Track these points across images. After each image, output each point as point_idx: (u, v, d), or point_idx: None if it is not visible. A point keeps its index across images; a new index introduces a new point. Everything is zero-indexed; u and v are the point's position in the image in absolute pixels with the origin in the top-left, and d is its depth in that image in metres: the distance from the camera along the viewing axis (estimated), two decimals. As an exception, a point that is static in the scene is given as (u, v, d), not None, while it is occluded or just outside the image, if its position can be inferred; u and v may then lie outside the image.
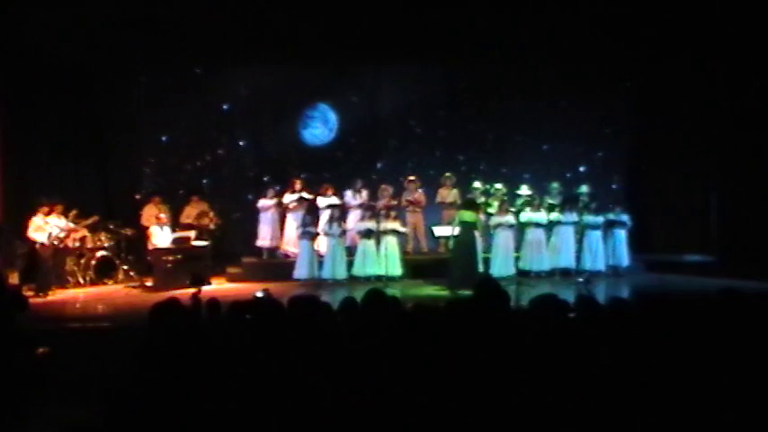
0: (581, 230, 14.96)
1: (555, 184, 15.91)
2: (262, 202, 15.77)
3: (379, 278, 14.21)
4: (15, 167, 14.30)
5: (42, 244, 13.85)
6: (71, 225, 14.40)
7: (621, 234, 15.12)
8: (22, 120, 14.31)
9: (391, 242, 14.52)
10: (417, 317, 4.73)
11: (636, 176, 17.61)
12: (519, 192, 15.80)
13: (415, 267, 14.94)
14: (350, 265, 14.62)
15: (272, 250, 15.94)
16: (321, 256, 14.75)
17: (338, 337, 4.56)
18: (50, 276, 14.02)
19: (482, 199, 15.31)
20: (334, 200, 15.36)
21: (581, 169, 17.47)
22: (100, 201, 16.13)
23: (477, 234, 13.80)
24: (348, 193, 15.75)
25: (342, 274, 14.42)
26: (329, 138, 17.87)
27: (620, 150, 17.68)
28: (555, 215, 14.92)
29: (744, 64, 15.01)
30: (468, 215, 13.47)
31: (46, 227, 13.94)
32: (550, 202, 15.32)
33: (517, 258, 14.81)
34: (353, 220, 15.31)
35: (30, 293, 13.29)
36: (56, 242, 14.03)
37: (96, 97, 15.96)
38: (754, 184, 15.09)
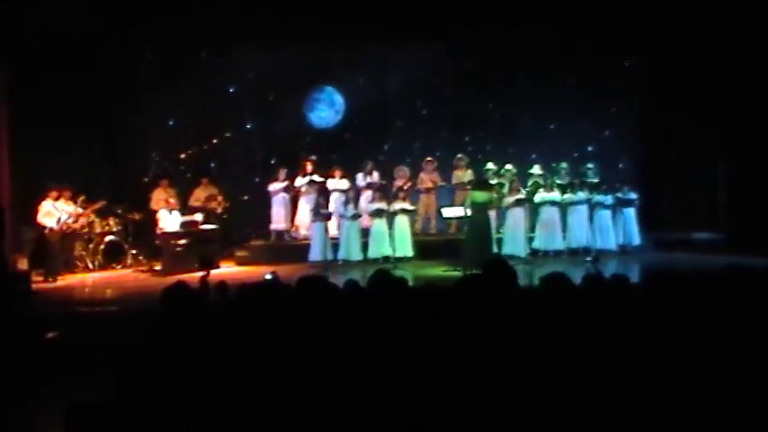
0: (590, 209, 14.96)
1: (563, 164, 15.85)
2: (272, 186, 15.75)
3: (394, 259, 14.20)
4: (24, 153, 14.30)
5: (51, 229, 13.92)
6: (79, 210, 14.45)
7: (630, 212, 15.16)
8: (31, 105, 14.28)
9: (402, 222, 14.56)
10: (425, 296, 4.73)
11: (643, 155, 17.54)
12: (532, 171, 15.75)
13: (425, 248, 14.92)
14: (365, 246, 14.63)
15: (287, 232, 15.94)
16: (335, 239, 14.79)
17: (345, 318, 4.56)
18: (59, 261, 14.09)
19: (495, 180, 15.30)
20: (344, 182, 15.38)
21: (589, 149, 17.41)
22: (108, 185, 16.14)
23: (491, 214, 13.79)
24: (359, 176, 15.78)
25: (356, 255, 14.46)
26: (336, 120, 17.86)
27: (628, 129, 17.58)
28: (567, 196, 14.91)
29: (750, 38, 14.87)
30: (480, 195, 13.43)
31: (54, 212, 14.00)
32: (559, 182, 15.28)
33: (531, 238, 14.79)
34: (365, 202, 15.31)
35: (39, 278, 13.40)
36: (64, 227, 14.09)
37: (103, 83, 15.92)
38: (762, 161, 14.99)
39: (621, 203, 15.15)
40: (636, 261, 14.29)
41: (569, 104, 16.88)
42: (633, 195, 15.26)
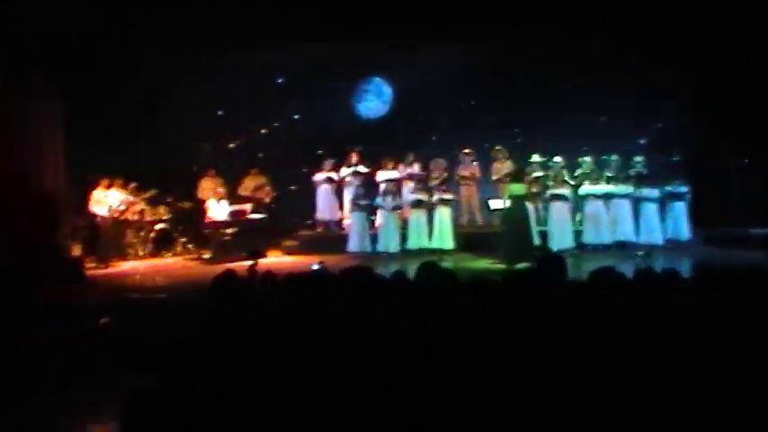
0: (636, 203, 14.76)
1: (614, 157, 15.64)
2: (317, 176, 15.83)
3: (432, 251, 14.16)
4: (78, 142, 14.51)
5: (103, 217, 14.16)
6: (130, 198, 14.67)
7: (681, 207, 14.85)
8: (86, 95, 14.45)
9: (444, 215, 14.51)
10: (473, 290, 4.71)
11: (697, 147, 17.19)
12: (582, 159, 15.56)
13: (469, 240, 14.86)
14: (404, 238, 14.63)
15: (327, 223, 16.03)
16: (376, 229, 14.82)
17: (393, 309, 4.56)
18: (111, 248, 14.32)
19: (540, 173, 15.15)
20: (395, 173, 15.40)
21: (641, 141, 17.13)
22: (159, 174, 16.29)
23: (529, 206, 13.69)
24: (400, 167, 15.78)
25: (395, 247, 14.44)
26: (384, 111, 17.85)
27: (682, 121, 17.23)
28: (611, 188, 14.71)
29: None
30: (516, 188, 13.36)
31: (106, 200, 14.24)
32: (608, 175, 15.08)
33: (578, 232, 14.67)
34: (406, 193, 15.30)
35: (91, 265, 13.64)
36: (116, 215, 14.31)
37: (155, 72, 16.07)
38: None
39: (671, 197, 14.90)
40: (686, 256, 14.02)
41: (621, 98, 16.60)
42: (684, 189, 14.94)
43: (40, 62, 13.28)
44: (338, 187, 15.95)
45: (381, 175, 15.45)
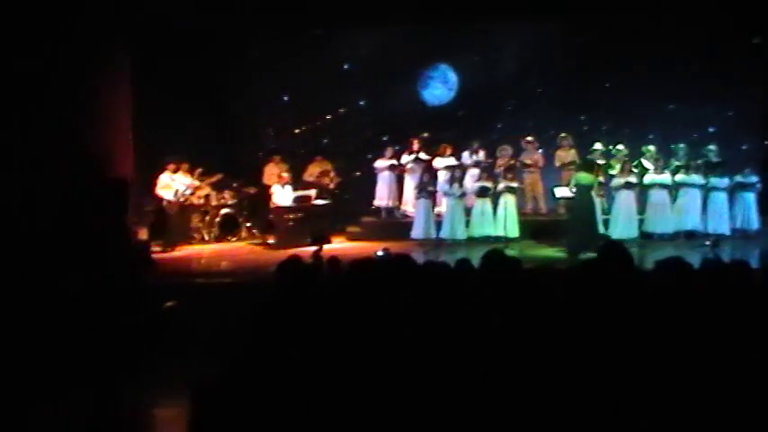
0: (705, 192, 14.43)
1: (681, 145, 15.31)
2: (378, 163, 15.87)
3: (497, 239, 14.04)
4: (145, 127, 14.72)
5: (169, 201, 14.35)
6: (196, 183, 14.83)
7: (750, 196, 14.50)
8: (152, 81, 14.65)
9: (510, 202, 14.39)
10: (538, 279, 4.66)
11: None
12: (646, 148, 15.24)
13: (533, 228, 14.72)
14: (466, 225, 14.55)
15: (390, 210, 16.04)
16: (439, 216, 14.76)
17: (456, 298, 4.53)
18: (177, 233, 14.52)
19: (603, 161, 14.93)
20: (452, 160, 15.31)
21: (710, 130, 16.70)
22: (224, 159, 16.45)
23: (595, 195, 13.50)
24: (465, 154, 15.71)
25: (461, 234, 14.39)
26: (449, 98, 17.75)
27: (753, 109, 16.77)
28: (680, 177, 14.41)
29: None
30: (584, 177, 13.19)
31: (173, 184, 14.43)
32: (677, 164, 14.76)
33: (641, 221, 14.40)
34: (471, 180, 15.20)
35: (157, 249, 13.85)
36: (182, 199, 14.49)
37: (221, 57, 16.23)
38: None
39: (740, 187, 14.54)
40: (755, 246, 13.69)
41: (690, 85, 16.22)
42: (754, 178, 14.57)
43: (110, 47, 13.53)
44: (399, 174, 15.93)
45: (439, 162, 15.41)
